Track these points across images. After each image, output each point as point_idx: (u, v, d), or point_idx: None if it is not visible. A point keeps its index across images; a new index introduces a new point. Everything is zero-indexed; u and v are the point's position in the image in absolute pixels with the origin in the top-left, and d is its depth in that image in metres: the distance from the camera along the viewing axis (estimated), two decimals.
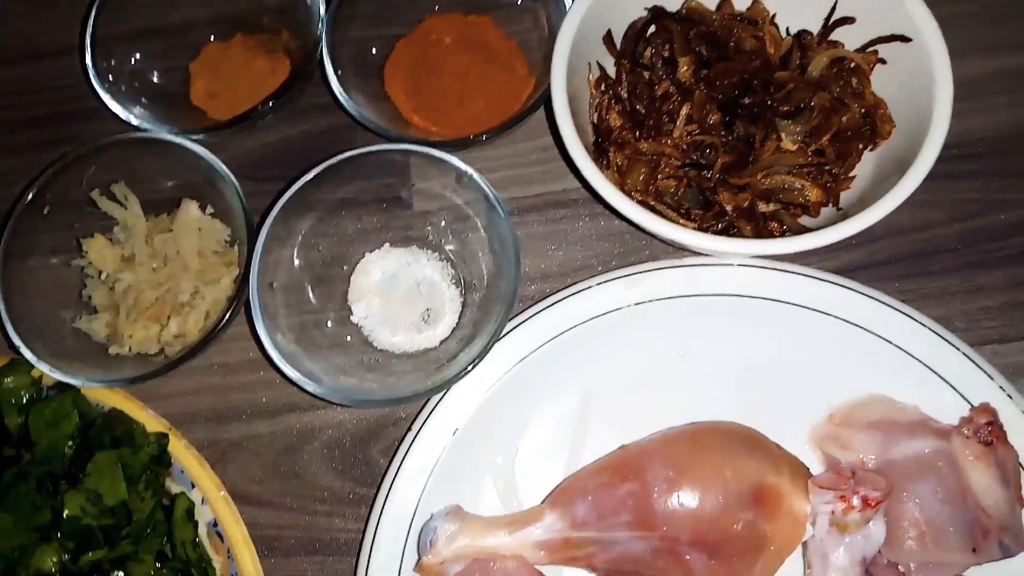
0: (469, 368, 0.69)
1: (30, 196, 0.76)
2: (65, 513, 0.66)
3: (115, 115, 0.80)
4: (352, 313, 0.78)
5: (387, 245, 0.80)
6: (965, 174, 0.79)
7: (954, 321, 0.75)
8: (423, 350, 0.78)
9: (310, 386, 0.69)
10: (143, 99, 0.82)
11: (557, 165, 0.83)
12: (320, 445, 0.78)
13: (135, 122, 0.79)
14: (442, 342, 0.78)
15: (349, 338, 0.78)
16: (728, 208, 0.72)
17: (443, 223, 0.80)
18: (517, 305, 0.72)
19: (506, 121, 0.76)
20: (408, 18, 0.84)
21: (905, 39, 0.71)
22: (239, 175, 0.76)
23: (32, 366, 0.73)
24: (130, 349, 0.77)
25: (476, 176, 0.73)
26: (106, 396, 0.75)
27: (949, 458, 0.65)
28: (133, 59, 0.84)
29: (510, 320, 0.73)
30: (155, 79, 0.85)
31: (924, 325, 0.70)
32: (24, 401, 0.74)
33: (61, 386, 0.74)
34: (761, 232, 0.72)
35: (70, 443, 0.71)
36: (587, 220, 0.81)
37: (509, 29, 0.84)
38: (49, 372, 0.72)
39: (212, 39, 0.87)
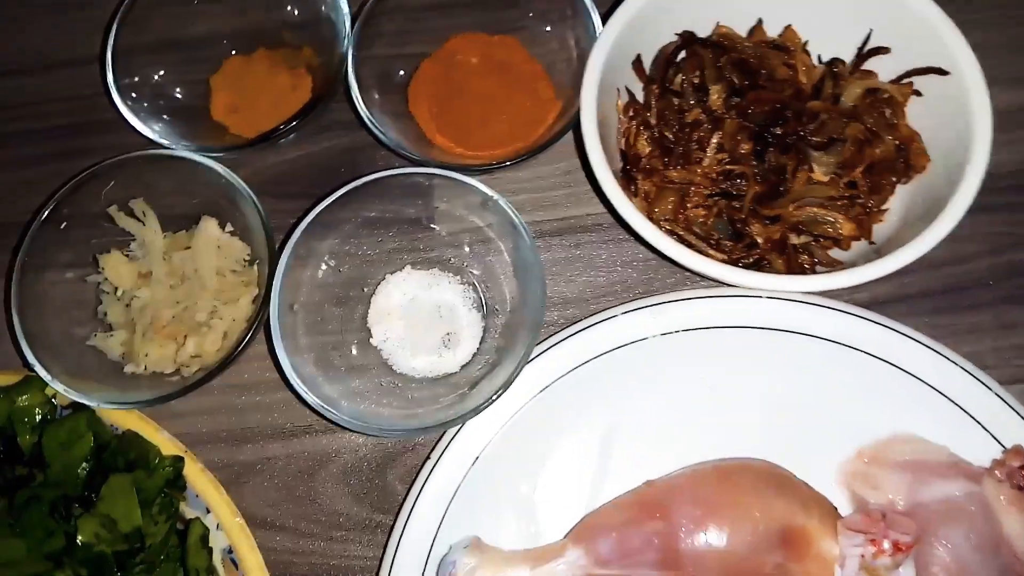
0: (495, 397, 0.68)
1: (48, 211, 0.75)
2: (79, 539, 0.65)
3: (132, 127, 0.78)
4: (372, 336, 0.77)
5: (408, 267, 0.79)
6: (997, 207, 0.77)
7: (985, 358, 0.74)
8: (443, 375, 0.77)
9: (331, 414, 0.68)
10: (163, 113, 0.81)
11: (580, 189, 0.82)
12: (337, 469, 0.76)
13: (154, 136, 0.78)
14: (463, 367, 0.77)
15: (368, 361, 0.77)
16: (760, 240, 0.71)
17: (466, 246, 0.78)
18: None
19: (534, 146, 0.75)
20: (433, 37, 0.83)
21: (943, 72, 0.70)
22: (259, 192, 0.75)
23: (46, 384, 0.72)
24: (145, 368, 0.76)
25: (501, 201, 0.72)
26: (121, 417, 0.74)
27: (981, 502, 0.64)
28: (154, 72, 0.82)
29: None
30: (175, 92, 0.83)
31: (955, 363, 0.69)
32: (37, 420, 0.73)
33: (76, 406, 0.73)
34: (792, 265, 0.71)
35: (84, 465, 0.70)
36: (611, 245, 0.80)
37: (535, 51, 0.82)
38: (64, 391, 0.71)
39: (233, 53, 0.86)
